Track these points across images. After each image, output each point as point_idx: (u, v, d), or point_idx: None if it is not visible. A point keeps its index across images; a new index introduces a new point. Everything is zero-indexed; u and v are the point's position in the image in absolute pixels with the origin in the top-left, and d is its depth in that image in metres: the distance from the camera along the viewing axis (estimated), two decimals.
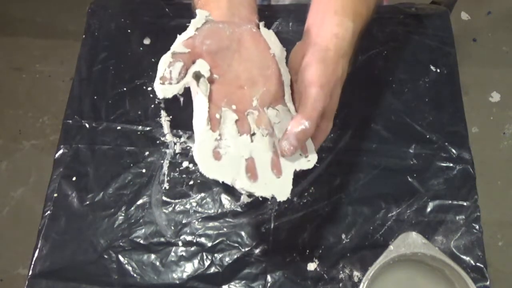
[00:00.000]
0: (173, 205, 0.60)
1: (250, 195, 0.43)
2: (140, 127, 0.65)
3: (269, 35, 0.48)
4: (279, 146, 0.43)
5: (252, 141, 0.43)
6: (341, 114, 0.65)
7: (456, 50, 0.71)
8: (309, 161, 0.45)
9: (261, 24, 0.49)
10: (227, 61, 0.44)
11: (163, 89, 0.39)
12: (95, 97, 0.68)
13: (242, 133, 0.43)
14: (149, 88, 0.68)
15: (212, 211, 0.60)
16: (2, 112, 1.49)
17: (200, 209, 0.60)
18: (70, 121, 0.66)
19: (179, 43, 0.42)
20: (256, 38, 0.45)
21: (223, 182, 0.41)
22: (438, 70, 0.69)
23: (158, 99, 0.66)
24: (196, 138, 0.42)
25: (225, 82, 0.44)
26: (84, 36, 0.73)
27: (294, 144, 0.41)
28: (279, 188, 0.42)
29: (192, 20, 0.43)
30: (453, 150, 0.63)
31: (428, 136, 0.64)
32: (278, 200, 0.42)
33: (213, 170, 0.41)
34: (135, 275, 0.57)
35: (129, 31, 0.72)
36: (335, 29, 0.43)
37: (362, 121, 0.65)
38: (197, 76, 0.42)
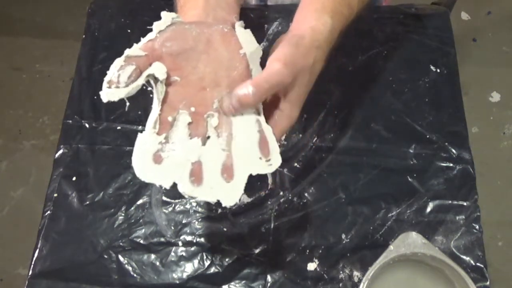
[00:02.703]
0: (173, 205, 0.60)
1: (192, 198, 0.42)
2: (140, 127, 0.65)
3: (245, 35, 0.46)
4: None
5: (204, 144, 0.42)
6: (341, 114, 0.66)
7: (456, 50, 0.71)
8: (271, 165, 0.41)
9: (239, 23, 0.47)
10: (192, 62, 0.43)
11: (107, 93, 0.38)
12: (95, 97, 0.68)
13: (194, 136, 0.42)
14: (149, 88, 0.68)
15: (212, 211, 0.60)
16: (2, 112, 1.49)
17: (200, 209, 0.60)
18: (70, 121, 0.66)
19: (135, 47, 0.41)
20: (227, 38, 0.45)
21: (161, 186, 0.39)
22: (438, 70, 0.69)
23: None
24: (137, 140, 0.40)
25: (187, 84, 0.43)
26: (84, 36, 0.73)
27: (233, 104, 0.40)
28: (226, 192, 0.40)
29: (155, 23, 0.42)
30: (453, 150, 0.63)
31: (428, 136, 0.64)
32: (223, 205, 0.40)
33: (150, 173, 0.39)
34: (135, 275, 0.57)
35: (129, 31, 0.72)
36: (313, 22, 0.44)
37: (362, 121, 0.65)
38: (156, 79, 0.42)
